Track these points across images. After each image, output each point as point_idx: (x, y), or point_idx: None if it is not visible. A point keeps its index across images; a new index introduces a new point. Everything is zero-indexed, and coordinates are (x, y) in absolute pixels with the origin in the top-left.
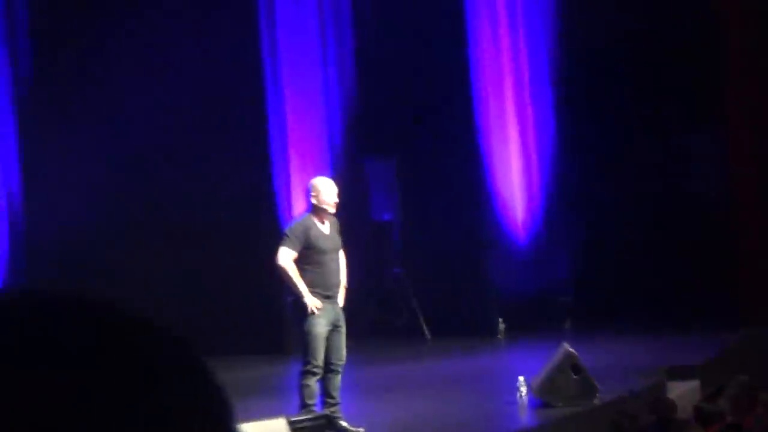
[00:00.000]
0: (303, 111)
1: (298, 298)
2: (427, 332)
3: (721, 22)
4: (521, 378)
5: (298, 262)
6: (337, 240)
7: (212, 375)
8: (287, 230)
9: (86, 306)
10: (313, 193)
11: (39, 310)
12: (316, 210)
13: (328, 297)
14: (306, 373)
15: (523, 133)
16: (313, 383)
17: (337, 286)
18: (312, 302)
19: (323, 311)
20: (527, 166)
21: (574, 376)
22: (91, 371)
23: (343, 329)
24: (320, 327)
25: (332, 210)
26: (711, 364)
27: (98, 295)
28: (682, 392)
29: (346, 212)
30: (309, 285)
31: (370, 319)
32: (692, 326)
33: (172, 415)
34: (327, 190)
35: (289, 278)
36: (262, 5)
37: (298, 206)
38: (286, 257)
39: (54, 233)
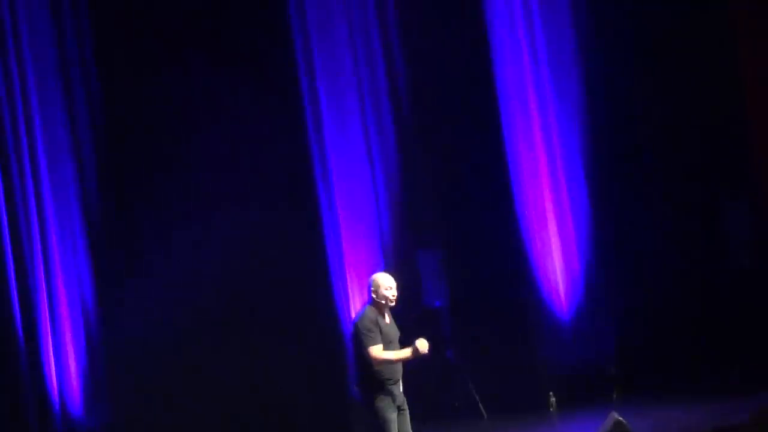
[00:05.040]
0: (354, 211)
1: (367, 388)
2: (483, 411)
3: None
4: None
5: None
6: (396, 330)
7: None
8: (362, 328)
9: None
10: (372, 288)
11: None
12: (376, 303)
13: (395, 383)
14: None
15: (559, 214)
16: None
17: (400, 372)
18: (417, 347)
19: (392, 397)
20: (566, 245)
21: None
22: None
23: (407, 411)
24: (391, 412)
25: (392, 304)
26: (752, 424)
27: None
28: None
29: (400, 300)
30: (380, 374)
31: (428, 401)
32: (738, 387)
33: None
34: (386, 284)
35: (394, 359)
36: (309, 120)
37: (356, 300)
38: (378, 352)
39: (128, 340)
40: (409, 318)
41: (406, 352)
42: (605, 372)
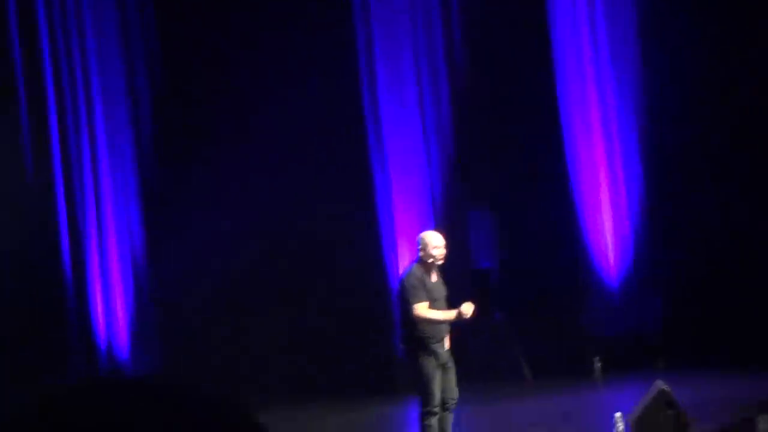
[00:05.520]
0: (406, 171)
1: (411, 345)
2: (528, 372)
3: None
4: (618, 414)
5: None
6: (444, 288)
7: None
8: (408, 285)
9: (160, 390)
10: (421, 245)
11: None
12: (423, 261)
13: (439, 341)
14: (426, 414)
15: (612, 181)
16: (434, 422)
17: (447, 331)
18: (462, 310)
19: (436, 355)
20: (617, 212)
21: (668, 412)
22: None
23: (453, 369)
24: (433, 368)
25: (440, 262)
26: None
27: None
28: None
29: (449, 260)
30: (423, 332)
31: (475, 360)
32: None
33: None
34: (434, 243)
35: (436, 319)
36: (363, 73)
37: (405, 258)
38: (423, 310)
39: (176, 287)
40: (459, 278)
41: (450, 314)
42: (651, 340)
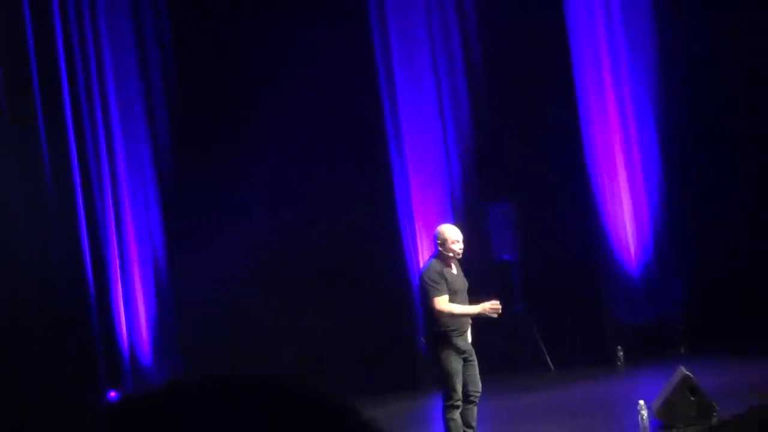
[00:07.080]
0: (424, 165)
1: (433, 339)
2: (550, 364)
3: None
4: (641, 402)
5: None
6: (464, 280)
7: None
8: (429, 279)
9: (270, 389)
10: (439, 240)
11: (226, 397)
12: (442, 255)
13: (461, 335)
14: (449, 408)
15: (630, 169)
16: (457, 416)
17: (469, 324)
18: (486, 306)
19: (458, 348)
20: (636, 200)
21: (692, 398)
22: None
23: (476, 361)
24: (455, 362)
25: (458, 256)
26: None
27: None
28: None
29: (469, 253)
30: (445, 326)
31: (497, 353)
32: None
33: None
34: (453, 237)
35: (459, 313)
36: (381, 71)
37: (425, 252)
38: (444, 303)
39: (197, 293)
40: (479, 271)
41: (473, 309)
42: (674, 327)
